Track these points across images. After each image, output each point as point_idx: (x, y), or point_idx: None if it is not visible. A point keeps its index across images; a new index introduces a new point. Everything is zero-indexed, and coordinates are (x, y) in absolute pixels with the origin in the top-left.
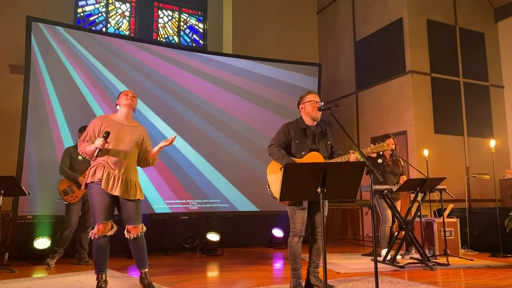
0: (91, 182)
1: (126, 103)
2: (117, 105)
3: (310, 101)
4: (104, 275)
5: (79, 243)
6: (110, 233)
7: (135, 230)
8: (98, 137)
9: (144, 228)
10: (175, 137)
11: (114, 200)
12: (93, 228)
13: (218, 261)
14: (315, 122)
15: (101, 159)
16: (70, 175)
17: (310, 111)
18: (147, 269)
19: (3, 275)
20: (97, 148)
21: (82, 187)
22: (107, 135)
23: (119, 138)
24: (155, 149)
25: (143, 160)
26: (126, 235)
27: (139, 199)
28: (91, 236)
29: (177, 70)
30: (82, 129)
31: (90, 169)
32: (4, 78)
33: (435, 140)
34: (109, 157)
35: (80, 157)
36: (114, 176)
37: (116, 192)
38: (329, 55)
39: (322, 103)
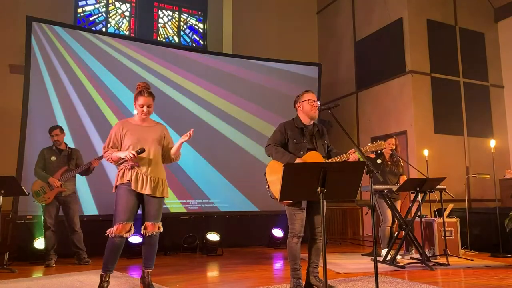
0: (120, 184)
1: (141, 117)
2: (135, 107)
3: (308, 100)
4: (108, 275)
5: (73, 245)
6: (127, 235)
7: (153, 228)
8: (122, 141)
9: (161, 228)
10: (192, 131)
11: (139, 202)
12: (112, 227)
13: (218, 261)
14: (312, 122)
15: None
16: (42, 176)
17: (308, 110)
18: (151, 270)
19: (3, 275)
20: (126, 159)
21: (55, 187)
22: (141, 151)
23: (141, 140)
24: (176, 145)
25: (166, 157)
26: (142, 232)
27: (163, 197)
28: (107, 234)
29: (177, 70)
30: (52, 129)
31: (118, 172)
32: (4, 78)
33: (435, 140)
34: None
35: (53, 158)
36: (143, 175)
37: (146, 190)
38: (329, 55)
39: (319, 103)
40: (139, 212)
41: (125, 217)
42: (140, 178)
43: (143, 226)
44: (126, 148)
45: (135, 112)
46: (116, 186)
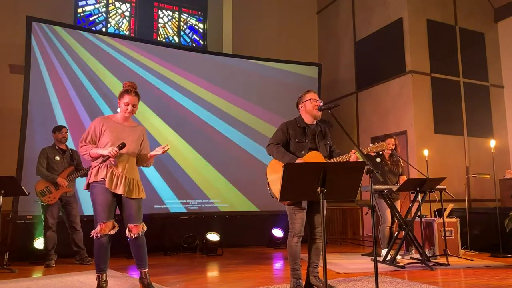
0: (94, 181)
1: (125, 116)
2: (118, 106)
3: (310, 99)
4: (104, 275)
5: (74, 244)
6: (111, 232)
7: (137, 229)
8: (100, 138)
9: (145, 228)
10: (167, 147)
11: (117, 200)
12: (95, 228)
13: (218, 261)
14: (315, 121)
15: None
16: (48, 176)
17: (310, 109)
18: (147, 269)
19: (3, 275)
20: (107, 156)
21: (62, 187)
22: (123, 146)
23: (120, 138)
24: (151, 153)
25: (139, 160)
26: (127, 235)
27: (141, 198)
28: (92, 235)
29: (177, 70)
30: (61, 127)
31: (92, 169)
32: (4, 78)
33: (435, 140)
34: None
35: (57, 158)
36: (118, 174)
37: (120, 190)
38: (329, 55)
39: (322, 102)
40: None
41: (105, 216)
42: (115, 177)
43: (127, 229)
44: (104, 145)
45: (118, 110)
46: (89, 184)
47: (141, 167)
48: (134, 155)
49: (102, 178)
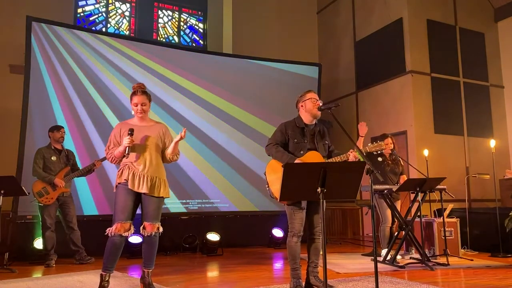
0: (119, 183)
1: (139, 117)
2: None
3: (311, 98)
4: (108, 275)
5: (73, 243)
6: (126, 234)
7: (151, 228)
8: (121, 142)
9: (161, 229)
10: (185, 130)
11: (138, 201)
12: (112, 226)
13: (218, 261)
14: (314, 121)
15: (126, 160)
16: (45, 177)
17: (311, 108)
18: (151, 270)
19: (3, 275)
20: (126, 146)
21: (59, 187)
22: (131, 131)
23: (137, 138)
24: (171, 145)
25: (164, 157)
26: (141, 232)
27: (162, 197)
28: (107, 233)
29: (177, 70)
30: (59, 127)
31: (118, 171)
32: (4, 78)
33: (435, 140)
34: (133, 157)
35: (54, 158)
36: (139, 174)
37: (143, 189)
38: (329, 55)
39: (321, 102)
40: (139, 212)
41: (123, 216)
42: (137, 177)
43: (142, 226)
44: None
45: (133, 112)
46: (116, 186)
47: (168, 163)
48: (155, 153)
49: (125, 179)
